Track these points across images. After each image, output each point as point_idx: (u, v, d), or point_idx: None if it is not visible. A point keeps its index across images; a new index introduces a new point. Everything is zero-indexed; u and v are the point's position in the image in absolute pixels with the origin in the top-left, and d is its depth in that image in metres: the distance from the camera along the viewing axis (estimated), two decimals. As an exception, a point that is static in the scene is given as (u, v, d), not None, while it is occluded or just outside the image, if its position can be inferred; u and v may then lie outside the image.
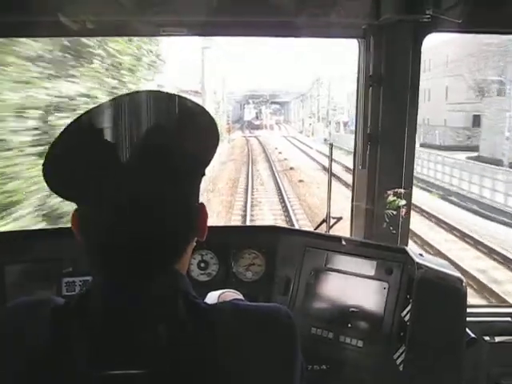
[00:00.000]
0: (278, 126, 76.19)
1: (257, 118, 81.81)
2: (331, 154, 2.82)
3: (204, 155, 1.23)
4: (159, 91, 1.24)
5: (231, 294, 2.03)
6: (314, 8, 2.54)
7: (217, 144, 1.26)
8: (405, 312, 2.17)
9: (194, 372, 1.10)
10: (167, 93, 1.24)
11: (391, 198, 2.73)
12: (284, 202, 16.76)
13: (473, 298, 8.26)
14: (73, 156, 1.16)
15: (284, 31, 2.76)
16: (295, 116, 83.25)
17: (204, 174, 1.24)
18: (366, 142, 2.65)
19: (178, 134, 1.19)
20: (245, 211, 15.82)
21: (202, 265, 2.61)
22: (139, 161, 1.13)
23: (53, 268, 2.50)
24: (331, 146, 2.83)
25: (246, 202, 16.96)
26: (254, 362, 1.15)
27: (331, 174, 2.86)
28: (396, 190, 2.72)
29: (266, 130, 65.17)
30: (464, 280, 2.08)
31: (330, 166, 2.85)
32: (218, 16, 2.60)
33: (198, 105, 1.26)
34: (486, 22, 2.61)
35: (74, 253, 2.47)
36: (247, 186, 20.24)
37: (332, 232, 2.87)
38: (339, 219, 2.87)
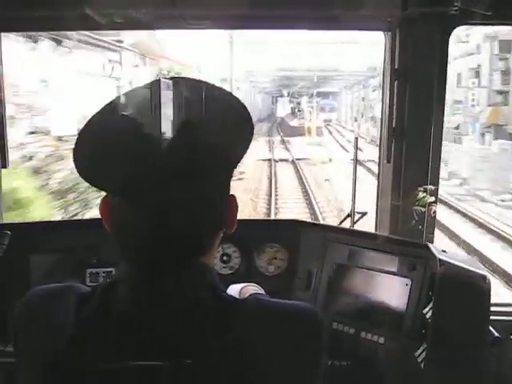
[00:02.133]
0: (327, 128, 52.69)
1: (293, 113, 63.16)
2: (356, 148, 2.79)
3: (237, 149, 1.20)
4: (194, 79, 1.23)
5: (252, 288, 2.03)
6: (340, 1, 2.52)
7: (250, 138, 1.23)
8: (427, 309, 2.14)
9: (218, 365, 1.09)
10: (203, 81, 1.22)
11: (421, 194, 2.70)
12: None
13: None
14: (102, 141, 1.15)
15: (310, 24, 2.75)
16: (347, 113, 64.23)
17: (236, 167, 1.22)
18: (391, 135, 2.61)
19: (211, 125, 1.17)
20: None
21: (225, 258, 2.62)
22: (170, 152, 1.11)
23: (77, 258, 2.54)
24: (356, 139, 2.81)
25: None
26: (279, 359, 1.14)
27: (356, 168, 2.84)
28: (425, 186, 2.69)
29: (310, 135, 41.22)
30: (488, 277, 2.04)
31: (356, 159, 2.82)
32: (244, 9, 2.60)
33: (233, 96, 1.23)
34: None
35: (98, 244, 2.52)
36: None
37: (356, 227, 2.85)
38: (364, 214, 2.84)
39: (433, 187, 2.69)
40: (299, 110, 62.20)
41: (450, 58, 2.60)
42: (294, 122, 53.25)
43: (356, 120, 51.68)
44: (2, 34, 2.70)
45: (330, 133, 49.27)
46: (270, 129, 50.23)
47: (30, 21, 2.71)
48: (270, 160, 26.24)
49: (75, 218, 10.08)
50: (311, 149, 30.65)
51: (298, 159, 26.19)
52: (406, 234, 2.68)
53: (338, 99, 72.01)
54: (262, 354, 1.13)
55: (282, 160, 26.63)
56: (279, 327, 1.18)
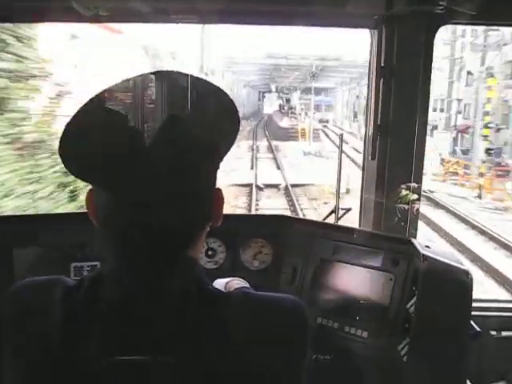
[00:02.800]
0: (323, 131, 44.88)
1: (282, 111, 56.84)
2: (341, 144, 2.81)
3: (223, 141, 1.21)
4: (177, 72, 1.22)
5: (237, 282, 2.04)
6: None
7: (237, 129, 1.23)
8: (410, 303, 2.17)
9: (205, 359, 1.10)
10: (185, 74, 1.21)
11: (404, 192, 2.72)
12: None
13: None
14: (88, 134, 1.15)
15: (295, 20, 2.76)
16: (343, 112, 59.38)
17: (222, 160, 1.21)
18: (376, 132, 2.64)
19: (196, 118, 1.17)
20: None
21: (210, 253, 2.62)
22: (155, 145, 1.11)
23: (61, 253, 2.52)
24: (341, 136, 2.83)
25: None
26: (266, 352, 1.15)
27: (341, 165, 2.86)
28: (408, 184, 2.72)
29: (305, 140, 34.88)
30: (470, 273, 2.07)
31: (340, 156, 2.84)
32: (230, 4, 2.60)
33: (217, 87, 1.23)
34: (501, 14, 2.58)
35: (82, 238, 2.51)
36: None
37: (340, 223, 2.87)
38: (348, 210, 2.86)
39: (416, 185, 2.72)
40: (290, 108, 56.22)
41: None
42: (284, 123, 45.46)
43: (356, 117, 46.34)
44: None
45: (327, 136, 42.04)
46: (255, 129, 44.25)
47: (20, 11, 2.69)
48: (250, 186, 18.15)
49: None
50: (310, 163, 23.56)
51: (294, 185, 18.26)
52: (389, 230, 2.71)
53: (333, 96, 65.70)
54: (250, 347, 1.14)
55: (269, 186, 18.36)
56: (267, 320, 1.19)
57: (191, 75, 1.22)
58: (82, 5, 2.57)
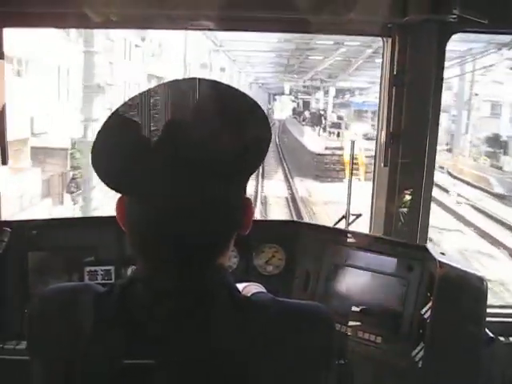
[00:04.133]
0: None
1: (297, 118, 48.97)
2: (353, 152, 2.83)
3: (255, 153, 1.21)
4: (210, 81, 1.22)
5: (255, 287, 2.05)
6: (339, 5, 2.55)
7: (268, 141, 1.24)
8: (425, 309, 2.19)
9: (235, 363, 1.12)
10: (218, 83, 1.22)
11: (407, 197, 2.75)
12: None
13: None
14: (113, 147, 1.17)
15: (309, 27, 2.77)
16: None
17: (254, 171, 1.23)
18: (388, 140, 2.66)
19: (229, 130, 1.16)
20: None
21: (223, 258, 2.63)
22: (186, 155, 1.12)
23: (75, 257, 2.53)
24: (353, 143, 2.85)
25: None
26: (293, 359, 1.17)
27: (352, 171, 2.88)
28: (411, 189, 2.74)
29: (358, 179, 17.62)
30: (485, 279, 2.10)
31: (352, 162, 2.86)
32: (241, 11, 2.63)
33: (249, 97, 1.23)
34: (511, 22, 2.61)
35: (96, 242, 2.52)
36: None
37: (351, 229, 2.88)
38: (358, 216, 2.88)
39: (427, 191, 2.75)
40: (316, 115, 42.25)
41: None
42: (317, 146, 28.07)
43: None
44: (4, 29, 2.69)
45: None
46: None
47: (30, 17, 2.70)
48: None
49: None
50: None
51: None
52: (399, 235, 2.73)
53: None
54: (280, 354, 1.15)
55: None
56: (297, 327, 1.20)
57: (223, 84, 1.22)
58: (94, 11, 2.60)
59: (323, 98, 43.75)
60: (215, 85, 1.22)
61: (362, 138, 25.49)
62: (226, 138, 1.15)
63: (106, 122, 1.19)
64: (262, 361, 1.13)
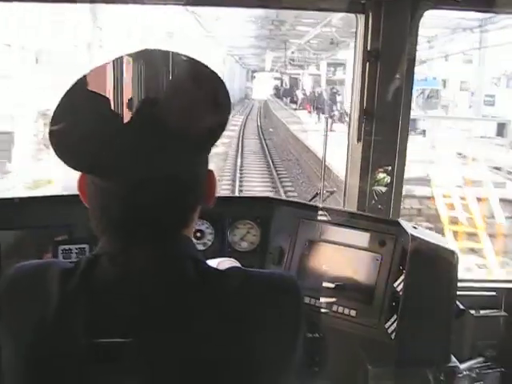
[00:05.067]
0: None
1: (292, 103, 40.22)
2: (327, 129, 2.84)
3: (215, 124, 1.21)
4: (162, 51, 1.22)
5: (230, 262, 2.07)
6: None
7: (227, 111, 1.23)
8: (397, 283, 2.23)
9: (204, 334, 1.12)
10: (180, 55, 1.22)
11: (381, 175, 2.78)
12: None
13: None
14: (73, 122, 1.16)
15: (282, 2, 2.77)
16: None
17: (214, 143, 1.22)
18: (361, 116, 2.68)
19: (187, 100, 1.17)
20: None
21: (198, 234, 2.64)
22: (147, 127, 1.12)
23: (49, 235, 2.51)
24: (327, 119, 2.86)
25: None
26: (263, 327, 1.18)
27: (326, 150, 2.89)
28: (385, 167, 2.77)
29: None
30: (456, 252, 2.14)
31: (326, 140, 2.87)
32: None
33: (212, 70, 1.23)
34: (484, 0, 2.64)
35: (69, 220, 2.49)
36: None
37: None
38: (332, 192, 2.90)
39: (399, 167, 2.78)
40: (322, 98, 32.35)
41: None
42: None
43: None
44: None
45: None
46: (240, 135, 28.45)
47: None
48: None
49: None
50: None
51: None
52: (372, 211, 2.76)
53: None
54: (250, 323, 1.17)
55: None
56: (263, 294, 1.22)
57: (186, 56, 1.22)
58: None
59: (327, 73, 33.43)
60: (175, 56, 1.22)
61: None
62: (185, 109, 1.16)
63: (65, 95, 1.17)
64: (230, 330, 1.14)
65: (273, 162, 20.98)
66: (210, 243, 2.66)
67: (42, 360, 1.12)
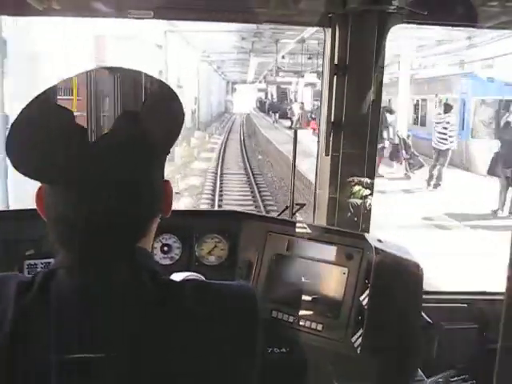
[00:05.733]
0: None
1: (279, 119, 35.27)
2: (295, 141, 2.84)
3: (169, 134, 1.24)
4: (124, 68, 1.25)
5: (194, 278, 2.06)
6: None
7: (182, 122, 1.27)
8: (363, 296, 2.22)
9: (161, 348, 1.12)
10: (132, 70, 1.24)
11: (356, 187, 2.78)
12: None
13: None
14: (32, 132, 1.16)
15: (250, 17, 2.78)
16: None
17: (169, 152, 1.25)
18: (329, 129, 2.69)
19: (142, 113, 1.19)
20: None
21: (165, 248, 2.62)
22: (102, 138, 1.14)
23: (14, 250, 2.48)
24: (295, 132, 2.86)
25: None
26: (220, 338, 1.18)
27: (295, 161, 2.89)
28: (360, 179, 2.77)
29: None
30: (421, 265, 2.14)
31: (295, 152, 2.87)
32: (186, 0, 2.62)
33: (163, 82, 1.27)
34: (451, 15, 2.66)
35: (35, 235, 2.46)
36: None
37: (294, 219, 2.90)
38: (302, 206, 2.90)
39: (368, 180, 2.79)
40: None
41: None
42: None
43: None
44: None
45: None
46: (219, 157, 24.43)
47: None
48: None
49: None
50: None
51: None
52: (342, 224, 2.76)
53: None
54: (206, 334, 1.17)
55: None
56: (222, 306, 1.22)
57: (138, 71, 1.25)
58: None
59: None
60: (129, 72, 1.25)
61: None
62: (141, 121, 1.17)
63: (27, 107, 1.18)
64: (187, 341, 1.14)
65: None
66: (177, 257, 2.64)
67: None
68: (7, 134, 1.15)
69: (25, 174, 1.14)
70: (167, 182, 1.29)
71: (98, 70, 1.26)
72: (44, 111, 1.19)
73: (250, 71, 35.33)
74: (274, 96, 42.03)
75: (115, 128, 1.15)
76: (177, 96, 1.26)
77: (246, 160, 24.52)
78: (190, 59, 31.32)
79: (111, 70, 1.26)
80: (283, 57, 30.37)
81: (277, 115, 38.11)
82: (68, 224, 1.17)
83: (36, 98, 1.19)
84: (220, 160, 23.83)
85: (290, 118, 34.84)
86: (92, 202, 1.14)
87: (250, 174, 20.24)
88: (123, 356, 1.10)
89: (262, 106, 43.42)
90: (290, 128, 29.72)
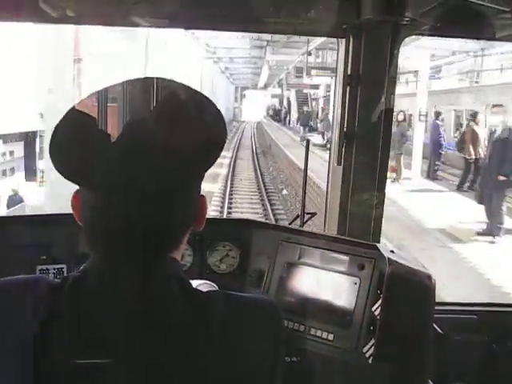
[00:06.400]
0: None
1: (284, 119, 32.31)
2: (307, 151, 2.85)
3: (210, 150, 1.24)
4: (167, 80, 1.25)
5: (208, 286, 2.07)
6: (296, 6, 2.58)
7: (223, 140, 1.27)
8: (375, 307, 2.22)
9: (187, 356, 1.13)
10: (176, 82, 1.25)
11: (367, 196, 2.79)
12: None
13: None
14: (76, 138, 1.19)
15: (265, 27, 2.79)
16: None
17: (209, 166, 1.25)
18: (342, 139, 2.70)
19: (187, 125, 1.20)
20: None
21: (177, 256, 2.63)
22: (145, 148, 1.15)
23: (27, 255, 2.49)
24: (308, 141, 2.87)
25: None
26: (244, 351, 1.20)
27: (306, 171, 2.90)
28: (365, 189, 2.78)
29: None
30: (433, 276, 2.14)
31: (306, 162, 2.88)
32: (200, 9, 2.63)
33: (206, 97, 1.27)
34: (462, 27, 2.68)
35: (47, 240, 2.48)
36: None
37: (306, 227, 2.91)
38: (313, 215, 2.91)
39: (380, 190, 2.79)
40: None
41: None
42: None
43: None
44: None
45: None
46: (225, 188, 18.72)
47: None
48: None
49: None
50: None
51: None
52: (353, 234, 2.77)
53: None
54: (232, 346, 1.18)
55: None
56: (248, 320, 1.24)
57: (182, 84, 1.26)
58: (49, 5, 2.56)
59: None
60: (171, 84, 1.25)
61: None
62: (182, 135, 1.18)
63: (65, 115, 1.20)
64: (213, 351, 1.15)
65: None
66: (188, 265, 2.65)
67: (21, 376, 1.11)
68: (50, 138, 1.18)
69: (65, 177, 1.17)
70: (203, 196, 1.31)
71: (136, 81, 1.26)
72: (80, 118, 1.20)
73: (263, 72, 30.51)
74: (293, 102, 34.38)
75: (148, 136, 1.16)
76: (212, 104, 1.26)
77: (266, 201, 16.98)
78: (190, 54, 25.16)
79: (147, 79, 1.26)
80: (310, 53, 25.03)
81: (306, 129, 30.47)
82: (101, 229, 1.19)
83: (73, 107, 1.21)
84: (225, 198, 16.99)
85: (323, 133, 26.91)
86: (127, 210, 1.15)
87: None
88: (147, 363, 1.11)
89: (276, 115, 36.79)
90: (324, 147, 21.50)
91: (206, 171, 1.25)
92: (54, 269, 2.52)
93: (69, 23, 3.07)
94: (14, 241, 2.48)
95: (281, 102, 38.06)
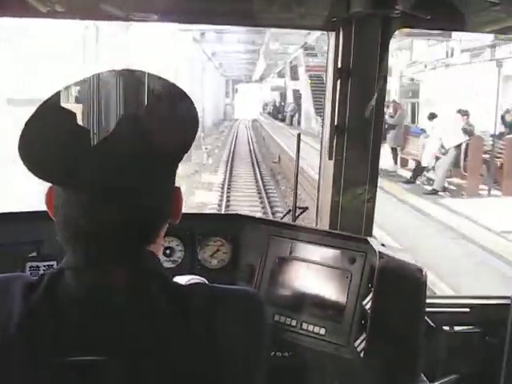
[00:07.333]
0: None
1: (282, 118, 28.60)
2: (298, 146, 2.84)
3: (182, 141, 1.23)
4: (136, 70, 1.24)
5: (198, 281, 2.06)
6: (285, 0, 2.56)
7: (196, 130, 1.26)
8: (366, 300, 2.22)
9: (169, 352, 1.12)
10: (145, 72, 1.23)
11: (358, 191, 2.78)
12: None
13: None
14: (46, 134, 1.17)
15: (254, 20, 2.78)
16: None
17: (181, 157, 1.24)
18: (332, 133, 2.69)
19: (156, 118, 1.19)
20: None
21: (168, 251, 2.62)
22: (114, 143, 1.13)
23: (16, 252, 2.48)
24: (299, 136, 2.86)
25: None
26: (228, 343, 1.18)
27: (298, 166, 2.89)
28: (356, 183, 2.77)
29: None
30: (424, 270, 2.13)
31: (298, 157, 2.87)
32: (192, 3, 2.61)
33: (177, 87, 1.25)
34: (454, 19, 2.66)
35: (37, 237, 2.47)
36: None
37: (298, 222, 2.90)
38: (305, 209, 2.90)
39: (371, 184, 2.78)
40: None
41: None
42: None
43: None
44: None
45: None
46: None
47: None
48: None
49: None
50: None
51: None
52: (344, 228, 2.76)
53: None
54: (214, 339, 1.17)
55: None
56: (230, 311, 1.23)
57: (152, 74, 1.24)
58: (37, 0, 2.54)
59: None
60: (140, 74, 1.23)
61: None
62: (153, 126, 1.17)
63: (37, 109, 1.18)
64: (195, 345, 1.14)
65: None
66: (179, 260, 2.64)
67: (8, 379, 1.10)
68: (20, 134, 1.16)
69: (34, 174, 1.15)
70: (178, 188, 1.30)
71: (100, 74, 1.25)
72: (51, 113, 1.19)
73: (259, 61, 26.28)
74: (306, 94, 27.55)
75: (117, 131, 1.14)
76: (185, 96, 1.25)
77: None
78: (164, 30, 20.07)
79: (114, 72, 1.25)
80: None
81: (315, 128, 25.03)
82: (75, 225, 1.17)
83: (48, 98, 1.19)
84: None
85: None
86: (100, 205, 1.14)
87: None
88: (127, 359, 1.10)
89: (278, 112, 32.40)
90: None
91: (176, 164, 1.25)
92: (44, 266, 2.50)
93: (58, 18, 3.04)
94: (3, 238, 2.47)
95: (283, 96, 33.20)
